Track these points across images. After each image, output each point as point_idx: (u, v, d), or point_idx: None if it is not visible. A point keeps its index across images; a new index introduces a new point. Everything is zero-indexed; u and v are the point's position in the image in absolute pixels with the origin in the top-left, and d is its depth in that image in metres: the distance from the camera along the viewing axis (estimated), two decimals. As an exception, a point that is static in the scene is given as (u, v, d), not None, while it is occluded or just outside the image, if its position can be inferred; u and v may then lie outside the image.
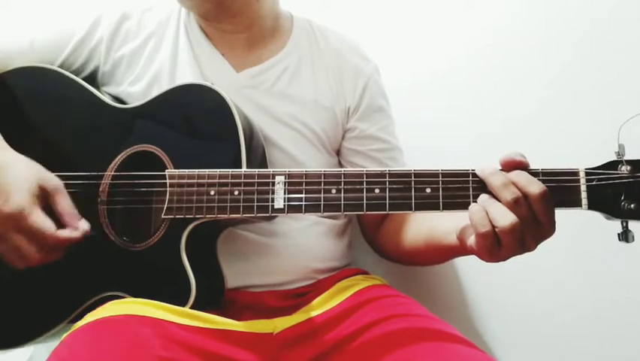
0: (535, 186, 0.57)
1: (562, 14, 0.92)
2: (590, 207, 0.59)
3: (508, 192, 0.57)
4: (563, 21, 0.92)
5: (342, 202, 0.63)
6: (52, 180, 0.67)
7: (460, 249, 0.65)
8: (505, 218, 0.56)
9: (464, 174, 0.61)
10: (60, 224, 0.66)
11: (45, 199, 0.66)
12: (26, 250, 0.64)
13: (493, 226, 0.57)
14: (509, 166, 0.59)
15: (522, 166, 0.59)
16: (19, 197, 0.63)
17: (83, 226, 0.67)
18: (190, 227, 0.68)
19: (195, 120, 0.72)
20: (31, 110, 0.78)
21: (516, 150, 0.60)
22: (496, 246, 0.58)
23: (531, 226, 0.57)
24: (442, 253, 0.73)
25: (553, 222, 0.59)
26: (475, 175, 0.61)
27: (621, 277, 0.84)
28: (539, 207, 0.57)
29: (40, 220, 0.64)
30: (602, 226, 0.61)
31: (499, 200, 0.58)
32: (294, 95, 0.82)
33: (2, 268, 0.73)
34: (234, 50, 0.83)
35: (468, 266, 0.96)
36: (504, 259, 0.60)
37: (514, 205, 0.57)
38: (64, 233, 0.65)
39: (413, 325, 0.69)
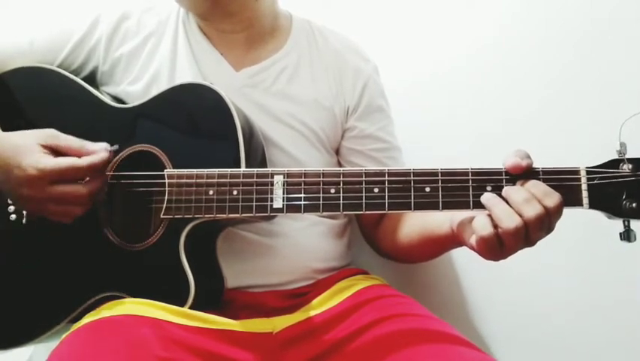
0: (550, 200, 0.57)
1: (562, 14, 0.92)
2: (592, 206, 0.59)
3: (530, 207, 0.56)
4: (563, 21, 0.92)
5: (341, 202, 0.63)
6: (44, 132, 0.69)
7: (454, 238, 0.65)
8: (510, 220, 0.56)
9: (464, 173, 0.61)
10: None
11: (53, 152, 0.67)
12: (72, 191, 0.66)
13: (496, 229, 0.57)
14: (516, 172, 0.59)
15: (528, 170, 0.59)
16: (29, 159, 0.65)
17: (101, 146, 0.69)
18: (189, 227, 0.67)
19: (194, 120, 0.72)
20: (30, 110, 0.78)
21: (518, 148, 0.60)
22: (498, 246, 0.58)
23: (541, 233, 0.58)
24: (436, 245, 0.73)
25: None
26: (474, 174, 0.60)
27: (622, 276, 0.84)
28: (554, 218, 0.57)
29: (60, 161, 0.66)
30: (603, 225, 0.60)
31: (520, 215, 0.57)
32: (293, 94, 0.82)
33: (2, 268, 0.74)
34: (233, 49, 0.83)
35: (468, 266, 0.96)
36: (505, 258, 0.59)
37: (534, 221, 0.56)
38: (90, 157, 0.67)
39: (413, 325, 0.69)
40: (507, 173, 0.60)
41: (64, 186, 0.65)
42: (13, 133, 0.70)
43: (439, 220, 0.69)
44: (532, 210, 0.56)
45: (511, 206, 0.57)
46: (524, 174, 0.59)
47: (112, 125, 0.76)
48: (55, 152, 0.68)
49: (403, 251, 0.82)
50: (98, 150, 0.68)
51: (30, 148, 0.66)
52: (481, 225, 0.58)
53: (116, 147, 0.71)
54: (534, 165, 0.60)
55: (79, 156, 0.67)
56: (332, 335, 0.70)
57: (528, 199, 0.57)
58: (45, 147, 0.67)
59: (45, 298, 0.72)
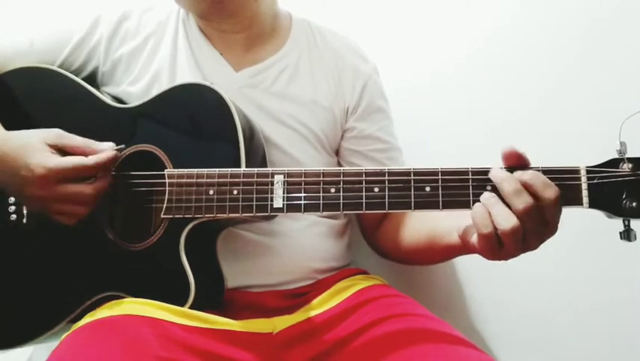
0: (550, 192, 0.56)
1: (562, 14, 0.92)
2: (592, 205, 0.59)
3: (519, 200, 0.56)
4: (563, 20, 0.92)
5: (342, 201, 0.63)
6: (51, 132, 0.69)
7: (462, 248, 0.64)
8: (506, 221, 0.56)
9: (464, 172, 0.61)
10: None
11: (59, 152, 0.68)
12: (78, 191, 0.66)
13: (495, 227, 0.57)
14: (511, 159, 0.59)
15: (523, 159, 0.59)
16: (36, 159, 0.65)
17: (107, 145, 0.69)
18: (189, 227, 0.68)
19: (195, 120, 0.72)
20: (30, 111, 0.78)
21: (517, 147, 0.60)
22: (498, 246, 0.58)
23: (537, 228, 0.57)
24: (443, 252, 0.73)
25: (558, 222, 0.58)
26: (475, 173, 0.60)
27: (623, 276, 0.84)
28: (551, 211, 0.57)
29: (67, 160, 0.66)
30: (603, 225, 0.60)
31: (509, 206, 0.57)
32: (293, 94, 0.82)
33: (2, 268, 0.74)
34: (233, 49, 0.83)
35: (468, 266, 0.96)
36: (507, 258, 0.59)
37: (523, 214, 0.56)
38: (96, 156, 0.67)
39: (413, 325, 0.69)
40: (505, 164, 0.60)
41: (70, 185, 0.66)
42: (20, 132, 0.70)
43: (448, 228, 0.68)
44: (520, 203, 0.56)
45: (504, 197, 0.57)
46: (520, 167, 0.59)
47: (112, 125, 0.76)
48: (62, 151, 0.68)
49: (407, 255, 0.82)
50: (104, 149, 0.68)
51: (37, 147, 0.66)
52: (481, 221, 0.57)
53: (122, 146, 0.71)
54: (535, 165, 0.59)
55: (85, 155, 0.67)
56: (332, 335, 0.70)
57: (518, 191, 0.56)
58: (52, 146, 0.67)
59: (45, 298, 0.72)
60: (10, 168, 0.66)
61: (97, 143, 0.69)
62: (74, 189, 0.66)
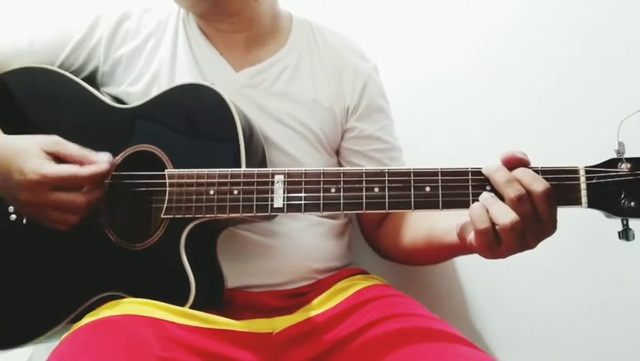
0: (539, 184, 0.57)
1: (562, 14, 0.92)
2: (590, 205, 0.59)
3: (512, 189, 0.57)
4: (563, 20, 0.92)
5: (342, 201, 0.63)
6: (49, 139, 0.69)
7: (461, 247, 0.64)
8: (506, 216, 0.56)
9: (463, 173, 0.61)
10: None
11: (55, 159, 0.68)
12: (70, 199, 0.66)
13: (493, 224, 0.57)
14: (511, 163, 0.59)
15: (523, 163, 0.59)
16: (31, 164, 0.65)
17: (104, 157, 0.68)
18: (189, 227, 0.68)
19: (195, 120, 0.72)
20: (30, 111, 0.78)
21: (517, 148, 0.60)
22: (496, 243, 0.58)
23: (533, 223, 0.57)
24: (442, 252, 0.73)
25: (555, 221, 0.59)
26: (474, 173, 0.61)
27: (622, 276, 0.84)
28: (542, 205, 0.57)
29: (62, 169, 0.66)
30: (602, 225, 0.60)
31: (502, 197, 0.58)
32: (293, 94, 0.82)
33: (2, 268, 0.74)
34: (233, 49, 0.83)
35: (468, 266, 0.96)
36: (504, 256, 0.60)
37: (517, 202, 0.57)
38: (91, 167, 0.67)
39: (413, 325, 0.69)
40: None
41: (63, 193, 0.66)
42: (17, 137, 0.70)
43: (447, 228, 0.69)
44: (513, 191, 0.57)
45: (496, 187, 0.58)
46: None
47: (113, 125, 0.76)
48: (58, 159, 0.68)
49: (407, 255, 0.82)
50: (100, 161, 0.68)
51: (33, 153, 0.66)
52: (478, 218, 0.58)
53: (118, 158, 0.71)
54: (534, 165, 0.60)
55: (81, 164, 0.67)
56: (332, 335, 0.70)
57: (510, 180, 0.57)
58: (48, 153, 0.67)
59: (45, 299, 0.72)
60: (4, 171, 0.66)
61: (94, 153, 0.69)
62: (66, 198, 0.66)
